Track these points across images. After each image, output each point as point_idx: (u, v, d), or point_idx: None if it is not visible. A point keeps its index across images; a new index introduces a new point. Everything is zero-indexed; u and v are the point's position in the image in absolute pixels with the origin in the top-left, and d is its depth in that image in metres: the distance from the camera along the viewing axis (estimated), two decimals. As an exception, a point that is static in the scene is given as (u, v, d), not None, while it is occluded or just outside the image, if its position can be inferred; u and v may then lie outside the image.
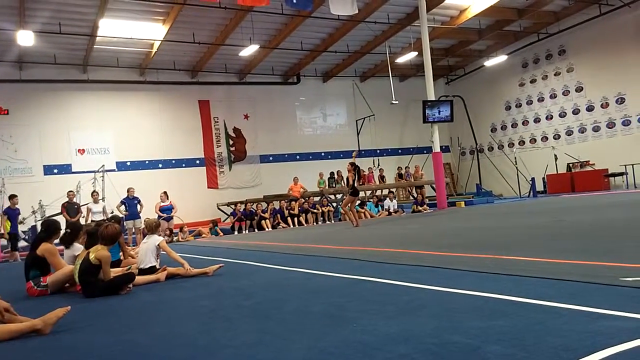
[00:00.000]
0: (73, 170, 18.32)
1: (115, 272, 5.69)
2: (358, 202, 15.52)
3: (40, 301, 5.41)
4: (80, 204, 14.82)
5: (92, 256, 5.36)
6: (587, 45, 19.69)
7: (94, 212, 13.98)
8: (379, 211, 17.74)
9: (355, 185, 12.67)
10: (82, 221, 12.88)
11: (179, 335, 3.36)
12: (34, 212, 15.84)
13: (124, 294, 5.32)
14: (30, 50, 16.48)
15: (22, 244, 13.78)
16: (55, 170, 18.18)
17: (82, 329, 3.85)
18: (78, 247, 6.53)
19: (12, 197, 13.36)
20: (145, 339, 3.36)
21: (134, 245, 11.74)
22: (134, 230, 14.31)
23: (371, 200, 18.38)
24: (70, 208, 13.87)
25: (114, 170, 18.62)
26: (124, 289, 5.39)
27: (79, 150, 18.68)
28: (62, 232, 6.75)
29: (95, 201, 14.44)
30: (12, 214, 13.17)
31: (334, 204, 18.44)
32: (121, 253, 7.45)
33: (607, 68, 19.09)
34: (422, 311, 3.20)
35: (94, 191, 15.05)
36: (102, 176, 17.63)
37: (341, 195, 18.61)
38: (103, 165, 18.05)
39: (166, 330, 3.56)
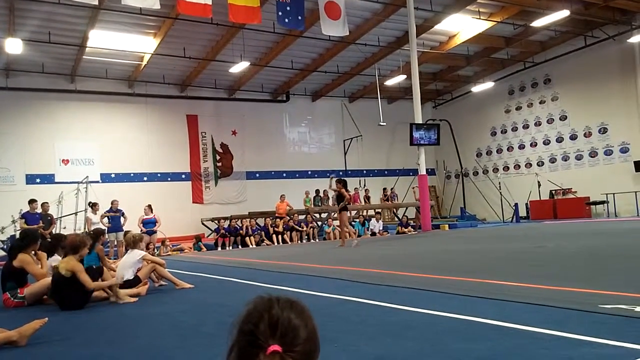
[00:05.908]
0: (56, 180, 18.05)
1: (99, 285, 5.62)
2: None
3: (17, 312, 5.31)
4: (63, 215, 14.65)
5: (61, 267, 5.28)
6: (572, 75, 20.07)
7: (93, 222, 13.97)
8: (364, 230, 17.80)
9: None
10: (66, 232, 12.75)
11: (159, 349, 3.31)
12: (13, 222, 15.60)
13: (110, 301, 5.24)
14: (18, 58, 16.35)
15: (1, 253, 13.55)
16: (38, 180, 17.91)
17: (60, 341, 3.78)
18: (56, 258, 6.44)
19: (31, 201, 13.18)
20: (124, 353, 3.31)
21: (115, 259, 11.60)
22: (116, 242, 14.14)
23: (357, 219, 18.41)
24: (44, 219, 13.70)
25: (97, 182, 18.42)
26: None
27: (63, 160, 18.44)
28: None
29: (94, 212, 14.47)
30: (30, 218, 12.97)
31: (319, 223, 18.41)
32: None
33: (591, 98, 19.45)
34: (404, 333, 3.20)
35: (93, 202, 14.97)
36: (86, 187, 17.44)
37: (327, 214, 18.62)
38: (87, 177, 17.85)
39: (146, 344, 3.51)
